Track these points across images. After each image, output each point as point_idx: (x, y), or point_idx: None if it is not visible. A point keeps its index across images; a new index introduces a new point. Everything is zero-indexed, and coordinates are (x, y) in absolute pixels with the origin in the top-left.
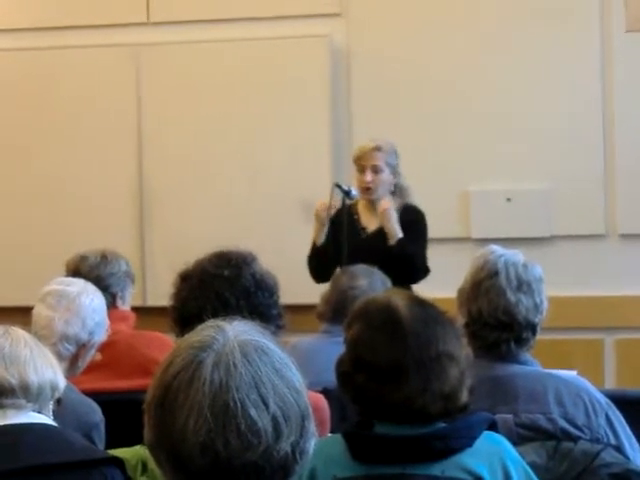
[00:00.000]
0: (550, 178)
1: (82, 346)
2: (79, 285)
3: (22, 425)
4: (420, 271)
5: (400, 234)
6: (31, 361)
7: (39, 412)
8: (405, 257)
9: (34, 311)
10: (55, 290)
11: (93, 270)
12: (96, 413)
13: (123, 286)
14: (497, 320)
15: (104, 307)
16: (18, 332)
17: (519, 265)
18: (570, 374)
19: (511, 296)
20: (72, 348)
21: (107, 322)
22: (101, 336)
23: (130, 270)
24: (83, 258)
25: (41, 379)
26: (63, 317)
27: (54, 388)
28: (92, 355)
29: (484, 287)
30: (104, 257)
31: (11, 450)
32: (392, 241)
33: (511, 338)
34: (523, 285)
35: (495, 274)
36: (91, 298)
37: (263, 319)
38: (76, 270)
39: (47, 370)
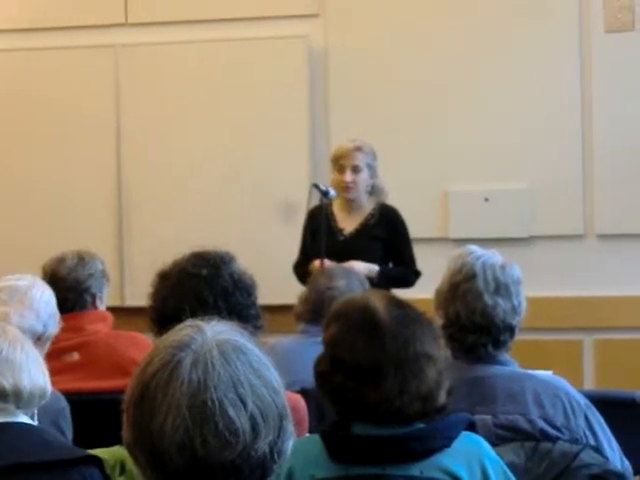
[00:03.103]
0: (528, 178)
1: (37, 339)
2: (28, 279)
3: (1, 424)
4: (412, 282)
5: (376, 267)
6: (26, 367)
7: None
8: (395, 282)
9: None
10: (6, 286)
11: (71, 272)
12: (60, 400)
13: (101, 286)
14: (474, 323)
15: (54, 299)
16: (14, 332)
17: (497, 267)
18: (547, 374)
19: (488, 299)
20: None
21: (58, 315)
22: (54, 328)
23: (105, 269)
24: (60, 260)
25: (33, 387)
26: (18, 311)
27: (42, 396)
28: (47, 348)
29: (461, 290)
30: (81, 258)
31: None
32: (375, 279)
33: (489, 341)
34: (501, 288)
35: (472, 277)
36: (42, 291)
37: (241, 319)
38: (53, 273)
39: (39, 377)
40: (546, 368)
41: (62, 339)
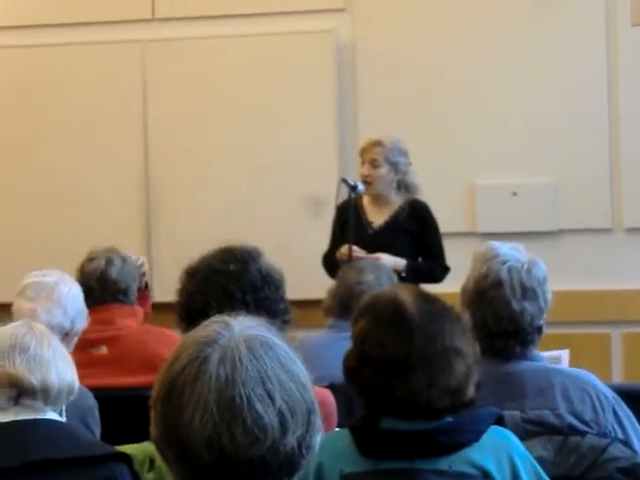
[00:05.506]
0: (556, 172)
1: (65, 335)
2: (55, 275)
3: (30, 421)
4: (440, 278)
5: (403, 261)
6: (53, 364)
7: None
8: (423, 277)
9: (14, 307)
10: (33, 282)
11: (121, 273)
12: (89, 398)
13: (135, 282)
14: (502, 329)
15: (81, 295)
16: (40, 329)
17: (522, 271)
18: (575, 369)
19: (516, 306)
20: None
21: (85, 310)
22: (82, 324)
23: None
24: (108, 261)
25: (61, 383)
26: (45, 307)
27: (70, 392)
28: (74, 344)
29: (488, 297)
30: (123, 258)
31: (20, 445)
32: (403, 272)
33: (517, 343)
34: (527, 292)
35: (499, 284)
36: (69, 287)
37: (269, 314)
38: (103, 274)
39: (67, 373)
40: (555, 342)
41: (91, 331)
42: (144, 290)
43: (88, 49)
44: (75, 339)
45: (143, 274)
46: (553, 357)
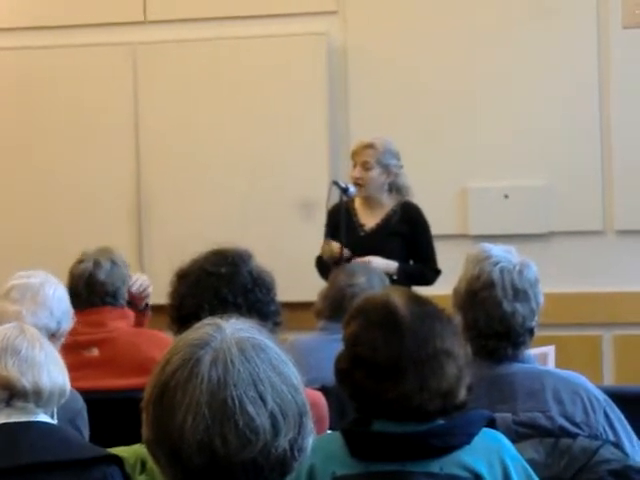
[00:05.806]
0: (548, 175)
1: (52, 336)
2: (40, 276)
3: (22, 423)
4: (431, 280)
5: (394, 263)
6: (45, 366)
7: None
8: (414, 280)
9: None
10: (18, 284)
11: (109, 276)
12: (78, 400)
13: (125, 285)
14: (493, 330)
15: (67, 296)
16: (32, 332)
17: (514, 273)
18: (559, 366)
19: (507, 307)
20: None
21: (71, 310)
22: (68, 325)
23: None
24: (96, 264)
25: (53, 386)
26: (30, 309)
27: (62, 395)
28: (60, 345)
29: (480, 297)
30: (113, 261)
31: (11, 448)
32: (394, 275)
33: (508, 345)
34: (519, 294)
35: (491, 285)
36: (54, 288)
37: (261, 316)
38: (90, 276)
39: (59, 376)
40: (566, 366)
41: (82, 333)
42: (145, 311)
43: (79, 51)
44: (62, 340)
45: (146, 297)
46: (541, 353)
